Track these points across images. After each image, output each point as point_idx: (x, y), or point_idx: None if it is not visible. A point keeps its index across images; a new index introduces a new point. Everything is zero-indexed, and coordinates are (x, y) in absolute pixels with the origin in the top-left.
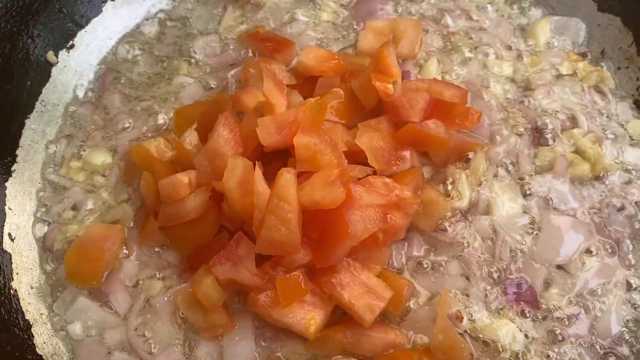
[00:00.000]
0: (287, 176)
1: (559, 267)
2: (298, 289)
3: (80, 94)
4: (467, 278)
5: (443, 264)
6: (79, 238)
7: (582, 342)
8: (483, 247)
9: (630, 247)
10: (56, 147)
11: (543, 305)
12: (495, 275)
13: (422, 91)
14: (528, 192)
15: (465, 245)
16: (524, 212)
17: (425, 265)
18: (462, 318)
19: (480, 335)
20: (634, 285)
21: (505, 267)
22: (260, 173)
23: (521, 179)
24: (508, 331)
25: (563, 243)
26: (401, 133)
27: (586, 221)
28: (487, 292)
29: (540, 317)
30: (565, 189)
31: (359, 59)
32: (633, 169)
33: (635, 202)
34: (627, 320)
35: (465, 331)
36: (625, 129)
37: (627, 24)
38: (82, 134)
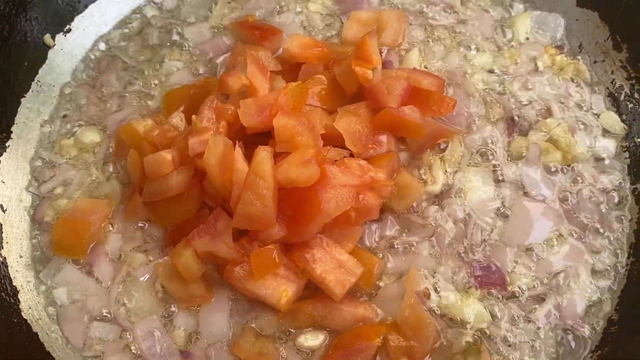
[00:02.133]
0: (263, 154)
1: (528, 250)
2: (271, 261)
3: (75, 76)
4: (437, 258)
5: (414, 244)
6: (66, 211)
7: (546, 322)
8: (455, 230)
9: (597, 232)
10: (50, 126)
11: (510, 287)
12: (464, 256)
13: (401, 79)
14: (501, 179)
15: (437, 227)
16: (496, 197)
17: (397, 246)
18: (430, 295)
19: (447, 313)
20: (598, 270)
21: (475, 248)
22: (240, 151)
23: (495, 166)
24: (474, 309)
25: (533, 228)
26: (378, 118)
27: (556, 207)
28: (456, 272)
29: (506, 297)
30: (537, 176)
31: (342, 47)
32: (604, 158)
33: (604, 190)
34: (591, 303)
35: (432, 308)
36: (598, 120)
37: (604, 19)
38: (75, 114)
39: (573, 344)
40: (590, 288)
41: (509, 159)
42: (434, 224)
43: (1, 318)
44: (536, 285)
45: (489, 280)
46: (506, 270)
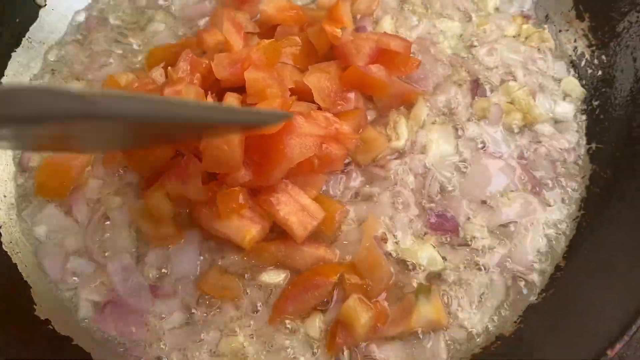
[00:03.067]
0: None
1: (483, 202)
2: (236, 202)
3: (65, 35)
4: (396, 207)
5: (376, 194)
6: (50, 156)
7: (496, 268)
8: (415, 182)
9: (551, 188)
10: (39, 80)
11: (463, 234)
12: (422, 206)
13: (370, 40)
14: (462, 136)
15: (399, 179)
16: (456, 153)
17: (359, 195)
18: (387, 240)
19: (402, 257)
20: (550, 221)
21: (432, 198)
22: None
23: (457, 124)
24: (427, 254)
25: (490, 182)
26: (346, 74)
27: (513, 164)
28: (413, 219)
29: (459, 244)
30: (497, 135)
31: (317, 12)
32: (563, 120)
33: (561, 149)
34: (540, 252)
35: (388, 252)
36: (559, 85)
37: None
38: (64, 70)
39: (522, 289)
40: (541, 238)
41: (471, 118)
42: (395, 177)
43: None
44: (489, 234)
45: (443, 226)
46: (460, 219)
